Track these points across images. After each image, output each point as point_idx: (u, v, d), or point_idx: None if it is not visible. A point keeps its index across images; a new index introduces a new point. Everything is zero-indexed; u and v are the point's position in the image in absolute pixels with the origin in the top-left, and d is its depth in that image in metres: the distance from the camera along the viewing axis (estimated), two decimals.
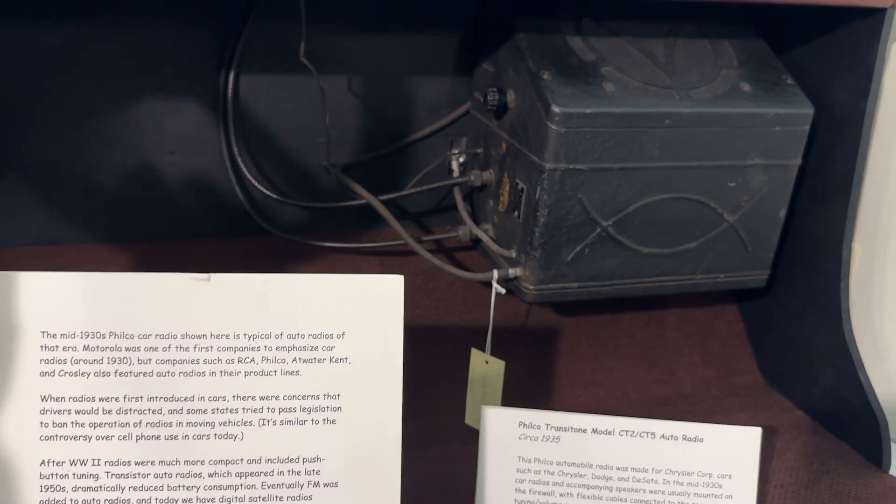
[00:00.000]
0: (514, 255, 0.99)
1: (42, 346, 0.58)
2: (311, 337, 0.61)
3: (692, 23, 1.02)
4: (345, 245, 1.09)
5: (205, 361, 0.59)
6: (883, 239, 1.10)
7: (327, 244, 1.08)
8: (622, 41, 0.97)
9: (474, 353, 1.00)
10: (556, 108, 0.87)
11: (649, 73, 0.94)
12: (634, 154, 0.91)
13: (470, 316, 1.13)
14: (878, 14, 0.94)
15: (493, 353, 1.02)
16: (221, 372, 0.61)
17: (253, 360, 0.60)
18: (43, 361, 0.59)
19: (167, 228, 1.06)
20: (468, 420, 0.99)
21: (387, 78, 1.08)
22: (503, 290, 0.96)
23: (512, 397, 1.00)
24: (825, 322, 1.05)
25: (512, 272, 0.97)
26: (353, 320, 0.62)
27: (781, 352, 1.15)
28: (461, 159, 1.12)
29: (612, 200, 0.93)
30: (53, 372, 0.59)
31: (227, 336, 0.60)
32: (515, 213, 0.97)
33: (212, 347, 0.59)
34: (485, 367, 0.99)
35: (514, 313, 1.15)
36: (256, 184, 1.04)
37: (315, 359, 0.62)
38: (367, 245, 1.10)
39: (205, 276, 0.59)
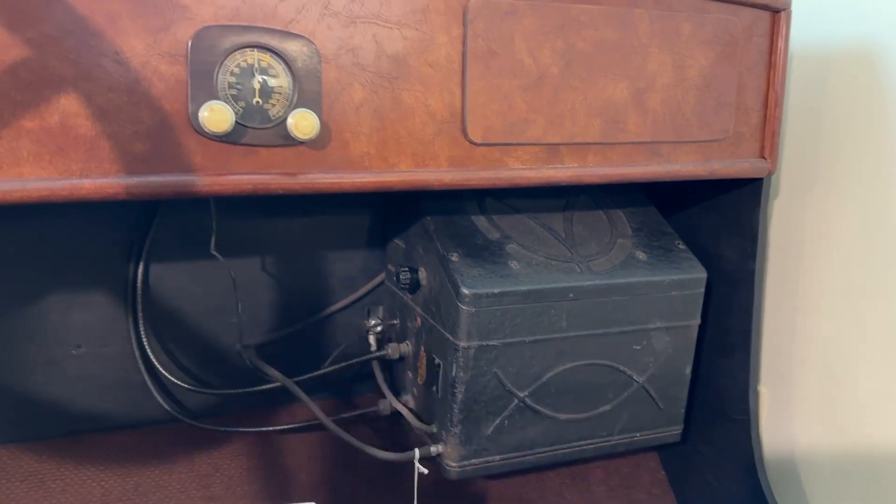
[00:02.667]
0: (435, 430, 0.99)
1: None
2: None
3: (586, 194, 1.09)
4: (260, 429, 1.06)
5: None
6: (787, 380, 1.16)
7: (241, 429, 1.06)
8: (524, 217, 1.03)
9: None
10: (465, 290, 0.90)
11: (551, 248, 0.99)
12: (543, 326, 0.94)
13: (391, 488, 1.10)
14: (755, 183, 1.02)
15: None
16: None
17: None
18: None
19: (74, 424, 1.02)
20: None
21: (300, 255, 1.10)
22: (425, 471, 0.95)
23: None
24: (741, 472, 1.08)
25: (434, 450, 0.97)
26: None
27: (703, 500, 1.17)
28: (378, 329, 1.13)
29: (526, 372, 0.95)
30: None
31: None
32: (434, 388, 0.98)
33: None
34: None
35: (442, 480, 1.13)
36: (166, 373, 1.02)
37: None
38: (284, 427, 1.08)
39: None
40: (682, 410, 1.08)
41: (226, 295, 1.05)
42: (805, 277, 1.12)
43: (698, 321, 1.04)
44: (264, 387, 1.03)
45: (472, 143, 0.84)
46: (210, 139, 0.73)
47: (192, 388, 1.04)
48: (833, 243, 1.08)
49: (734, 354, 1.08)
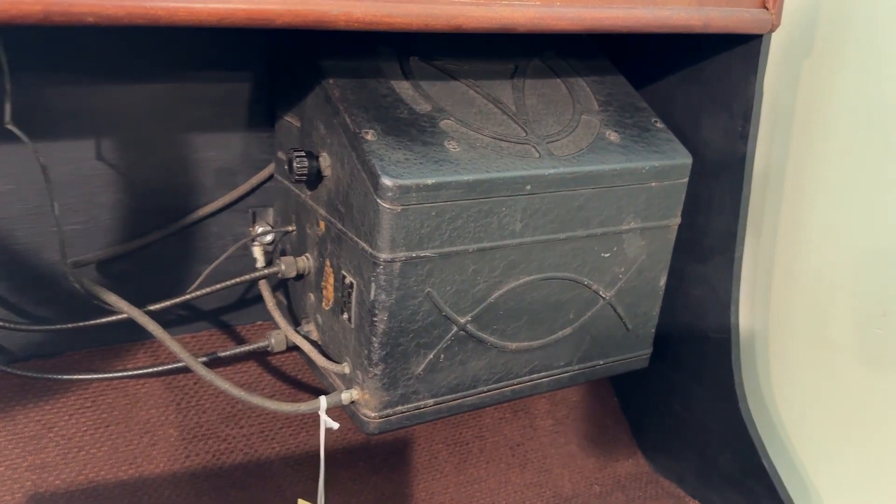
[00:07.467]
0: (347, 371, 0.74)
1: None
2: None
3: (540, 58, 0.84)
4: (108, 375, 0.78)
5: None
6: (766, 291, 0.98)
7: (81, 376, 0.78)
8: (461, 84, 0.76)
9: None
10: (387, 181, 0.64)
11: (499, 125, 0.74)
12: (492, 230, 0.70)
13: (295, 442, 0.86)
14: (752, 42, 0.80)
15: (331, 486, 0.77)
16: None
17: None
18: None
19: None
20: None
21: (154, 138, 0.80)
22: (335, 425, 0.71)
23: None
24: (716, 399, 0.91)
25: (346, 396, 0.73)
26: None
27: (665, 432, 1.00)
28: (267, 239, 0.86)
29: (469, 291, 0.72)
30: None
31: None
32: (346, 316, 0.73)
33: None
34: None
35: (356, 432, 0.90)
36: None
37: None
38: (141, 371, 0.80)
39: None
40: (653, 330, 0.88)
41: (45, 194, 0.74)
42: (794, 165, 0.93)
43: (678, 220, 0.83)
44: (105, 319, 0.74)
45: None
46: None
47: (5, 323, 0.74)
48: (830, 124, 0.88)
49: (713, 260, 0.88)
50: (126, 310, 0.71)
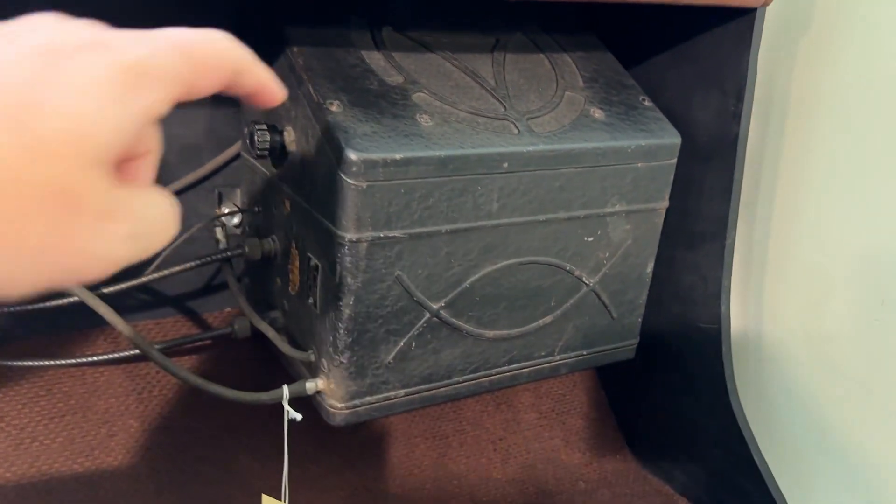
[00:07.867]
0: (312, 359, 0.70)
1: None
2: None
3: (523, 32, 0.80)
4: (63, 362, 0.74)
5: None
6: (759, 280, 0.94)
7: (34, 363, 0.73)
8: (437, 57, 0.72)
9: (267, 501, 0.70)
10: (352, 155, 0.60)
11: (476, 100, 0.70)
12: (467, 211, 0.66)
13: (262, 435, 0.82)
14: (746, 16, 0.76)
15: (301, 482, 0.73)
16: None
17: None
18: None
19: None
20: None
21: None
22: (299, 417, 0.67)
23: None
24: (706, 392, 0.87)
25: (311, 386, 0.69)
26: None
27: (654, 426, 0.96)
28: (234, 221, 0.82)
29: (442, 275, 0.68)
30: None
31: None
32: (311, 300, 0.69)
33: None
34: None
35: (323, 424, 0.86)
36: None
37: None
38: (98, 358, 0.76)
39: None
40: (640, 319, 0.84)
41: None
42: (790, 148, 0.88)
43: (666, 203, 0.79)
44: (54, 303, 0.70)
45: None
46: None
47: None
48: (829, 105, 0.84)
49: (704, 247, 0.84)
50: (76, 291, 0.66)
